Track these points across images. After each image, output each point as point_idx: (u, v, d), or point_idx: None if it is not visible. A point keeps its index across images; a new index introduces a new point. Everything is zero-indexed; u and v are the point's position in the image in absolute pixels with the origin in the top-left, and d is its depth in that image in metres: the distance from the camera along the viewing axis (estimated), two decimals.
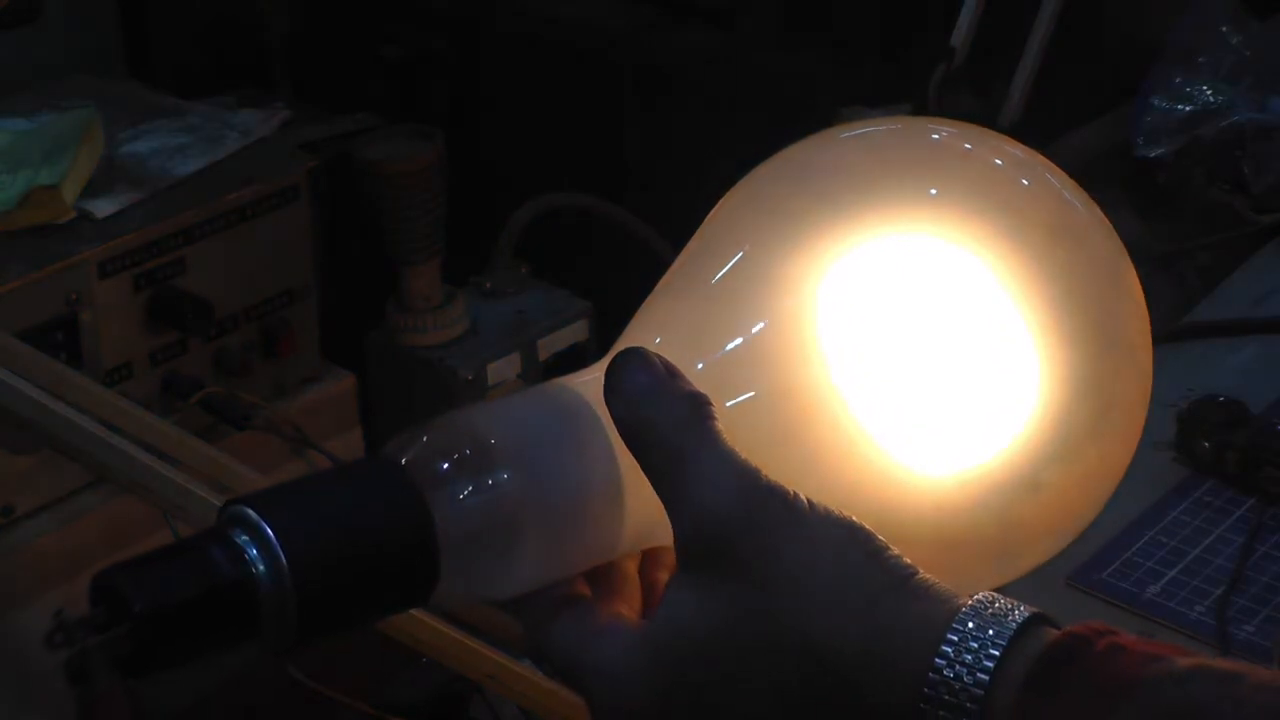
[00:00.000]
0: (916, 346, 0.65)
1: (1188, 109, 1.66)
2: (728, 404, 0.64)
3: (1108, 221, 0.68)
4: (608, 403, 0.63)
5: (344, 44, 1.88)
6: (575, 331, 1.49)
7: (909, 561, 0.61)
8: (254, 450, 1.33)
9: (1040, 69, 1.62)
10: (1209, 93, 1.66)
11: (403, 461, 0.61)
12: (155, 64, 1.77)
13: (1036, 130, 1.64)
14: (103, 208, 1.29)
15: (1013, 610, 0.60)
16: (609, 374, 0.63)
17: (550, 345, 1.47)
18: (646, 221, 1.56)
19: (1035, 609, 0.61)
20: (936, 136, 0.69)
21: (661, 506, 0.62)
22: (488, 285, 1.50)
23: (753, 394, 0.64)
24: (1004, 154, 0.68)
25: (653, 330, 0.66)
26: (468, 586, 0.62)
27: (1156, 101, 1.67)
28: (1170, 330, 1.42)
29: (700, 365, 0.64)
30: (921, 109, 1.62)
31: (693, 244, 0.69)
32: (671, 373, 0.63)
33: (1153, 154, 1.67)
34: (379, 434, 1.46)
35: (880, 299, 0.65)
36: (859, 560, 0.60)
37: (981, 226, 0.65)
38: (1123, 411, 0.67)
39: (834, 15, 1.81)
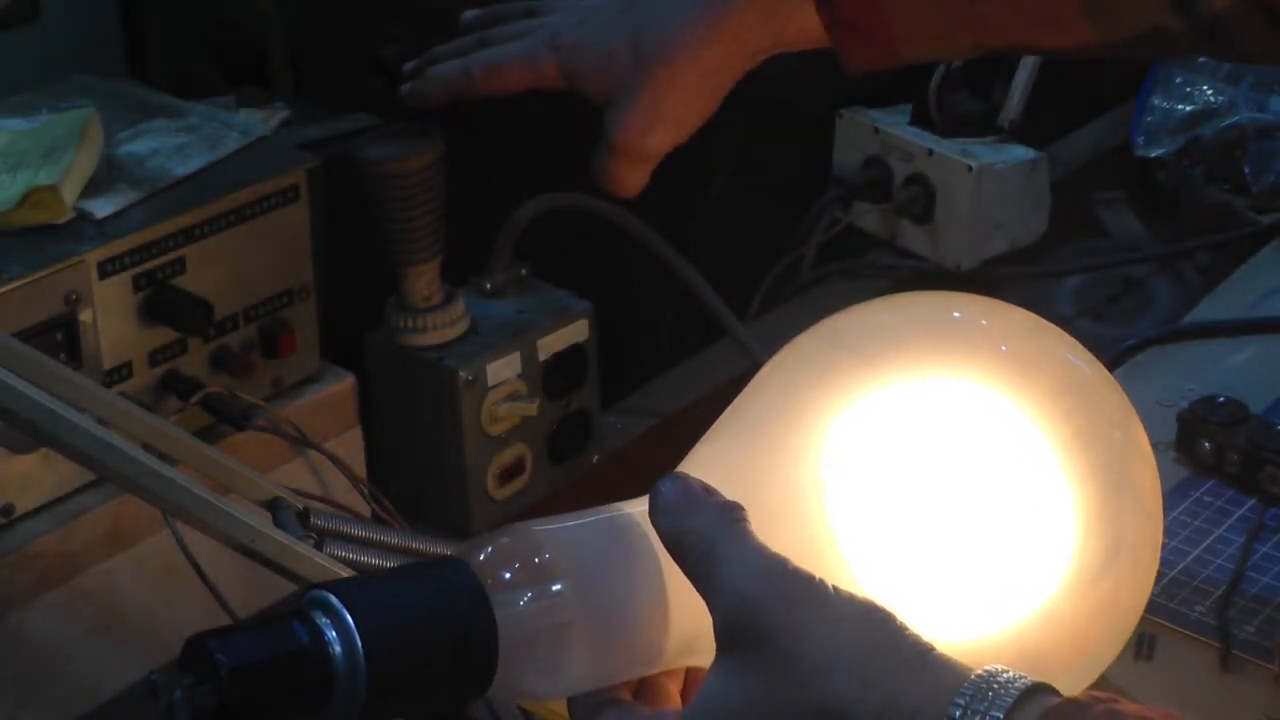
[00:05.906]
0: (926, 493, 0.73)
1: (1188, 109, 1.66)
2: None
3: (1117, 384, 0.75)
4: (651, 519, 0.71)
5: (344, 44, 1.88)
6: (575, 331, 1.49)
7: (928, 640, 0.67)
8: (254, 450, 1.33)
9: (1040, 69, 1.62)
10: (1209, 93, 1.66)
11: (471, 564, 0.69)
12: (155, 64, 1.77)
13: (1036, 130, 1.64)
14: (102, 208, 1.29)
15: (1017, 680, 0.65)
16: (652, 495, 0.72)
17: (550, 345, 1.47)
18: (646, 222, 1.56)
19: (1039, 680, 0.66)
20: (957, 315, 0.76)
21: (702, 618, 0.69)
22: (488, 285, 1.50)
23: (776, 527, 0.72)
24: (1025, 327, 0.76)
25: (697, 473, 0.74)
26: (519, 684, 0.70)
27: (1156, 101, 1.67)
28: (1170, 330, 1.42)
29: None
30: (922, 109, 1.62)
31: (739, 399, 0.78)
32: (706, 489, 0.71)
33: (1153, 154, 1.67)
34: (379, 434, 1.46)
35: (890, 449, 0.74)
36: (879, 636, 0.67)
37: (995, 382, 0.73)
38: (1132, 551, 0.73)
39: None
